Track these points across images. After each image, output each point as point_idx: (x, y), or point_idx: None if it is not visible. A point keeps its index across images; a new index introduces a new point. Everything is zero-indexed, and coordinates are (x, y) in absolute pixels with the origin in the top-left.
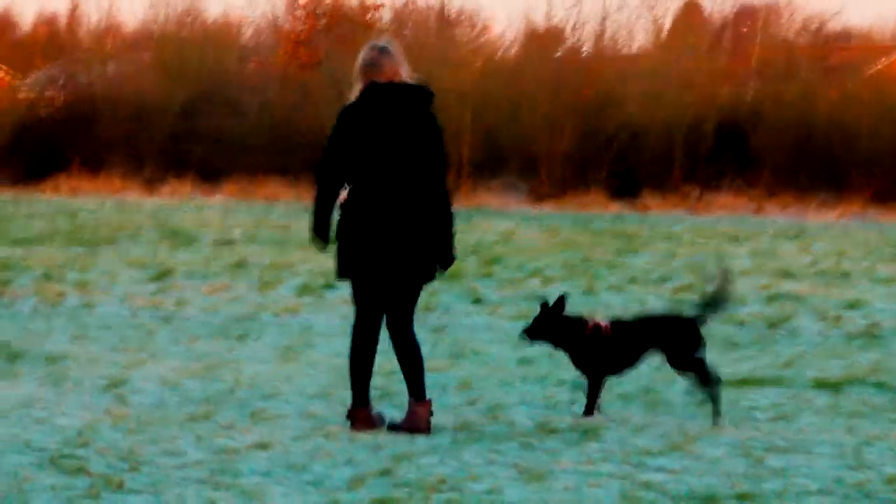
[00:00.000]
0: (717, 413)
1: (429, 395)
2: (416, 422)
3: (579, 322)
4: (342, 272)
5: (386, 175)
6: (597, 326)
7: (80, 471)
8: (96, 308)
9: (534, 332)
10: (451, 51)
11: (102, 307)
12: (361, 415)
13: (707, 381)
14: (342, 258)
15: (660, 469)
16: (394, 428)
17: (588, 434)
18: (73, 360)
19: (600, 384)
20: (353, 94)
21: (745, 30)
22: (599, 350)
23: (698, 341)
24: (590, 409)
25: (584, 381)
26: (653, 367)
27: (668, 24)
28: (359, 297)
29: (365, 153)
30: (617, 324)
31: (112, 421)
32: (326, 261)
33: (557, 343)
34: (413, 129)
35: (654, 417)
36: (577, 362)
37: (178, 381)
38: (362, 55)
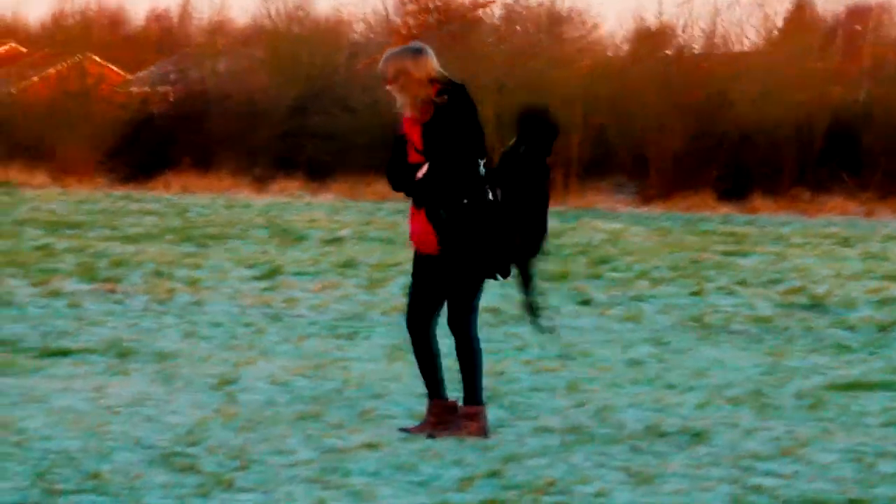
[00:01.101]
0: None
1: (539, 396)
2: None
3: None
4: (489, 270)
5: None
6: None
7: (191, 469)
8: (206, 306)
9: None
10: (560, 49)
11: (212, 305)
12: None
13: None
14: (487, 257)
15: (770, 473)
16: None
17: (697, 438)
18: (183, 358)
19: None
20: (423, 94)
21: (857, 29)
22: None
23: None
24: None
25: None
26: (762, 371)
27: (779, 22)
28: (475, 293)
29: (481, 153)
30: None
31: (222, 419)
32: None
33: None
34: None
35: (763, 421)
36: None
37: (287, 380)
38: (428, 56)
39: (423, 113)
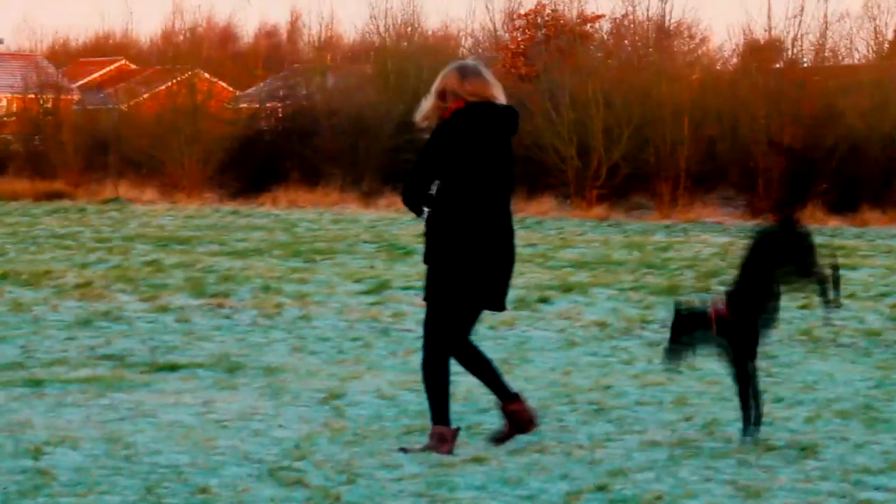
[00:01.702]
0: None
1: (646, 410)
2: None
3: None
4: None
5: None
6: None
7: (298, 483)
8: (314, 320)
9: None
10: (669, 62)
11: (320, 319)
12: (451, 433)
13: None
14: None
15: (880, 488)
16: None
17: (806, 451)
18: (291, 372)
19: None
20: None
21: None
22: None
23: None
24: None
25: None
26: (872, 384)
27: (889, 35)
28: (464, 320)
29: (443, 174)
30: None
31: (329, 433)
32: (542, 274)
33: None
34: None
35: (873, 435)
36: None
37: (394, 395)
38: (476, 76)
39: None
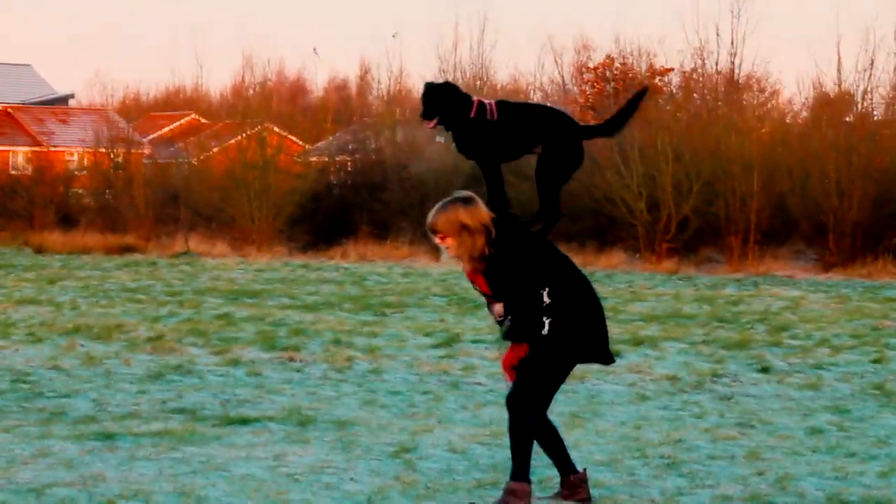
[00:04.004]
0: None
1: (718, 464)
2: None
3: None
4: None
5: None
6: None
7: None
8: (384, 373)
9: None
10: (739, 116)
11: (391, 373)
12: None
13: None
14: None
15: None
16: None
17: None
18: (362, 426)
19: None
20: (480, 244)
21: None
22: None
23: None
24: None
25: None
26: None
27: None
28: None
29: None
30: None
31: (401, 487)
32: (612, 327)
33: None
34: None
35: None
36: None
37: (465, 448)
38: (479, 203)
39: (481, 263)
